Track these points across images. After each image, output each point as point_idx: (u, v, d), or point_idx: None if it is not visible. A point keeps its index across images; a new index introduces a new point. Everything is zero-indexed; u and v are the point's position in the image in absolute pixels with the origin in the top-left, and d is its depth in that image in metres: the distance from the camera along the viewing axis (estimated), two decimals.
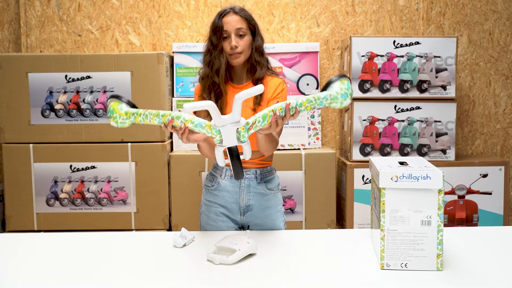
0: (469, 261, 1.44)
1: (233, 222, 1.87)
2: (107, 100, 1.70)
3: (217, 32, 1.78)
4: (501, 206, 2.86)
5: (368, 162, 2.35)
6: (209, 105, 1.40)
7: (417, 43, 2.80)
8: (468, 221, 2.86)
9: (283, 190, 2.71)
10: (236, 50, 1.76)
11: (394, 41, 2.80)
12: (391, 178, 1.35)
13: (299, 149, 2.84)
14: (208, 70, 1.80)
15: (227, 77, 1.83)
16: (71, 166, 2.69)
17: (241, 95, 1.41)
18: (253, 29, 1.81)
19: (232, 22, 1.76)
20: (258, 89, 1.41)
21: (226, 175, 1.85)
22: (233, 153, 1.49)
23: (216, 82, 1.79)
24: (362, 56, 2.80)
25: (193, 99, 2.87)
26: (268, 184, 1.85)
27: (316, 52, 2.92)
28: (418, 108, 2.82)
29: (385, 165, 1.41)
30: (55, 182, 2.69)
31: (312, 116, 2.90)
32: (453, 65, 2.81)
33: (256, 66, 1.81)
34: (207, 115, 1.78)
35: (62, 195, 2.70)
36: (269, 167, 1.87)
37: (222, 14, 1.79)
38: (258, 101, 1.78)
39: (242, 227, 1.89)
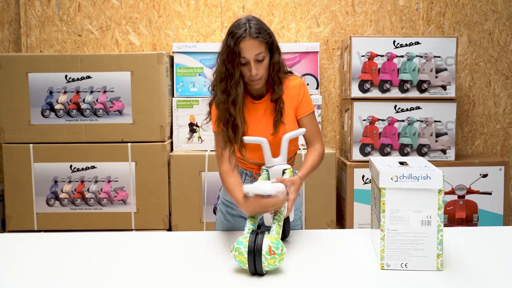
0: (469, 261, 1.44)
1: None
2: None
3: (234, 60, 1.60)
4: (501, 206, 2.86)
5: (368, 162, 2.35)
6: (263, 142, 1.61)
7: (417, 43, 2.80)
8: (468, 221, 2.86)
9: None
10: (257, 77, 1.62)
11: (394, 41, 2.80)
12: (391, 178, 1.35)
13: (299, 149, 2.84)
14: (223, 98, 1.65)
15: (246, 92, 1.73)
16: (71, 166, 2.69)
17: (288, 136, 1.62)
18: (270, 47, 1.64)
19: (252, 49, 1.58)
20: (302, 131, 1.66)
21: (245, 179, 1.81)
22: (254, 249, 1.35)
23: (233, 114, 1.65)
24: (362, 56, 2.80)
25: (191, 101, 2.89)
26: None
27: (316, 52, 2.92)
28: (418, 108, 2.82)
29: (385, 165, 1.41)
30: (55, 182, 2.69)
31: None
32: (453, 65, 2.81)
33: (274, 86, 1.69)
34: (227, 140, 1.71)
35: (62, 195, 2.70)
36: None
37: (237, 39, 1.58)
38: (280, 117, 1.70)
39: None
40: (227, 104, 1.65)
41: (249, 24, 1.60)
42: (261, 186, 1.47)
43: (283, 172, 1.62)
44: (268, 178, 1.63)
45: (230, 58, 1.60)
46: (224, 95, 1.65)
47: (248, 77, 1.64)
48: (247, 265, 1.35)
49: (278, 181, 1.53)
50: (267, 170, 1.64)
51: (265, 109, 1.73)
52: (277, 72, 1.68)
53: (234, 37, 1.59)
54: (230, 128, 1.67)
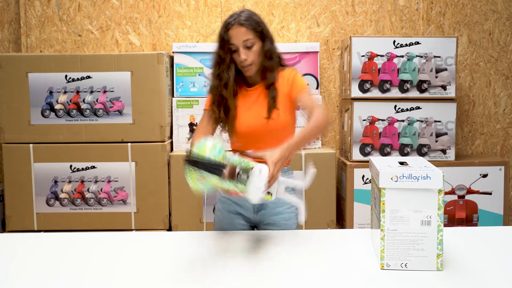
0: (469, 261, 1.44)
1: (246, 220, 1.87)
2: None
3: (224, 46, 1.73)
4: (501, 206, 2.86)
5: (368, 162, 2.35)
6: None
7: (417, 43, 2.80)
8: (468, 221, 2.86)
9: None
10: (246, 63, 1.73)
11: (394, 41, 2.80)
12: (391, 178, 1.35)
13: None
14: (217, 83, 1.77)
15: (241, 80, 1.82)
16: (71, 166, 2.69)
17: (284, 182, 1.54)
18: (260, 35, 1.74)
19: (239, 35, 1.70)
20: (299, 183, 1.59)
21: None
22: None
23: (225, 95, 1.76)
24: (362, 56, 2.80)
25: (191, 101, 2.89)
26: None
27: (316, 52, 2.92)
28: (418, 108, 2.82)
29: (385, 165, 1.41)
30: (55, 182, 2.69)
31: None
32: (453, 65, 2.81)
33: (266, 73, 1.78)
34: (214, 122, 1.81)
35: (62, 195, 2.70)
36: (285, 168, 1.88)
37: (227, 27, 1.72)
38: (273, 102, 1.76)
39: (255, 225, 1.89)
40: (220, 87, 1.76)
41: (239, 13, 1.72)
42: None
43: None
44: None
45: (221, 45, 1.75)
46: (217, 79, 1.77)
47: (239, 64, 1.74)
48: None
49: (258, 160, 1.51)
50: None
51: (257, 97, 1.80)
52: (268, 59, 1.77)
53: (224, 25, 1.73)
54: (222, 110, 1.77)
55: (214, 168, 1.36)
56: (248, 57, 1.72)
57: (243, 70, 1.76)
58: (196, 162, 1.35)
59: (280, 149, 1.52)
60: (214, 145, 1.39)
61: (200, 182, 1.37)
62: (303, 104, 1.78)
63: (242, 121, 1.78)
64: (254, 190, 1.42)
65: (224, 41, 1.72)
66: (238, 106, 1.79)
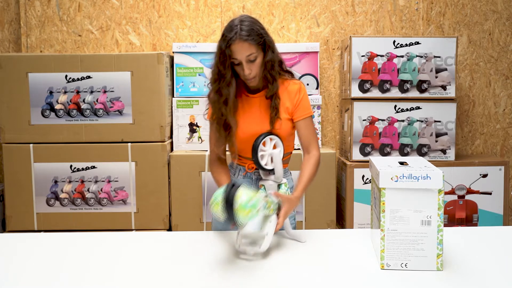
0: (469, 261, 1.44)
1: None
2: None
3: (225, 61, 1.66)
4: (501, 206, 2.86)
5: (368, 162, 2.35)
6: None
7: (417, 43, 2.80)
8: (468, 221, 2.86)
9: None
10: (250, 76, 1.69)
11: (394, 41, 2.80)
12: (391, 178, 1.35)
13: (299, 149, 2.84)
14: (216, 97, 1.72)
15: (242, 86, 1.80)
16: (71, 166, 2.69)
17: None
18: (262, 46, 1.69)
19: (242, 51, 1.63)
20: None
21: (239, 174, 1.85)
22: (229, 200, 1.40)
23: (224, 114, 1.71)
24: (362, 56, 2.80)
25: (191, 101, 2.89)
26: None
27: (316, 52, 2.92)
28: (418, 108, 2.82)
29: (385, 165, 1.41)
30: (55, 182, 2.69)
31: (312, 116, 2.89)
32: (453, 65, 2.81)
33: (267, 83, 1.74)
34: (223, 140, 1.81)
35: (62, 195, 2.70)
36: (283, 169, 1.88)
37: (228, 42, 1.64)
38: (275, 114, 1.75)
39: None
40: (219, 104, 1.72)
41: (240, 26, 1.64)
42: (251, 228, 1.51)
43: (279, 186, 1.66)
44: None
45: (222, 60, 1.68)
46: (217, 94, 1.72)
47: (242, 77, 1.71)
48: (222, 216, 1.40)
49: (275, 194, 1.58)
50: (264, 187, 1.68)
51: (259, 104, 1.78)
52: (270, 70, 1.72)
53: (225, 40, 1.65)
54: (222, 127, 1.74)
55: (230, 216, 1.39)
56: (252, 71, 1.68)
57: (246, 82, 1.73)
58: (227, 201, 1.37)
59: (295, 202, 1.63)
60: (247, 201, 1.40)
61: (216, 211, 1.41)
62: (301, 133, 1.79)
63: (243, 128, 1.75)
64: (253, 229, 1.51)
65: (226, 56, 1.65)
66: (239, 112, 1.76)
